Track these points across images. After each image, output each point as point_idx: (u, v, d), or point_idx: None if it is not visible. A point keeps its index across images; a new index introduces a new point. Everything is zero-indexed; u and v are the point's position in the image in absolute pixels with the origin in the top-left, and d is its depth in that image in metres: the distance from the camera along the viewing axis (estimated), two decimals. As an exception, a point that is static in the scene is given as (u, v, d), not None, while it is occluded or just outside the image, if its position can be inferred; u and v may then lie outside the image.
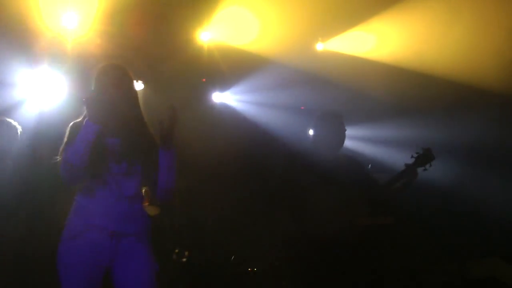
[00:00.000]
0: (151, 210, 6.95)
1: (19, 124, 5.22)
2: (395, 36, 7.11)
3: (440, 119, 6.90)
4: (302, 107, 8.13)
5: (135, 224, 3.35)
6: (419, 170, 4.47)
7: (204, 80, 7.96)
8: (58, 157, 3.27)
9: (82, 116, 3.34)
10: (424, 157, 4.48)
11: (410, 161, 4.51)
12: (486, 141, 6.63)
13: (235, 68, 7.59)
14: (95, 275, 3.27)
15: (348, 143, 4.76)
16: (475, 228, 6.36)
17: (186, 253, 6.65)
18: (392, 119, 7.17)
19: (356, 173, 4.48)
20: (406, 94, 7.00)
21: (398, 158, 6.89)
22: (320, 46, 7.64)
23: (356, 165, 4.59)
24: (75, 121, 3.34)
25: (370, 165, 6.39)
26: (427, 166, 4.49)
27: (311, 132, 4.71)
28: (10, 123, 5.12)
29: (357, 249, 4.12)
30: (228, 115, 8.00)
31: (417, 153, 4.49)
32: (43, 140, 5.55)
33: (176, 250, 6.69)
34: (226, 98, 8.13)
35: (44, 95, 6.50)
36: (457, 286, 5.92)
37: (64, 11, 6.14)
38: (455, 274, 6.06)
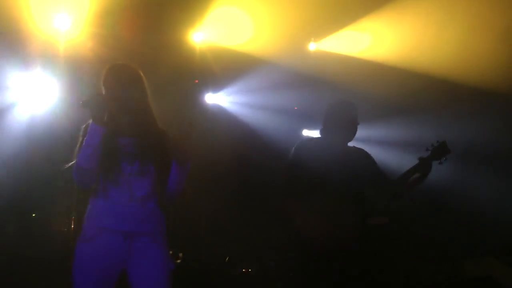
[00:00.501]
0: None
1: (11, 127, 5.20)
2: (389, 35, 7.09)
3: (434, 119, 6.89)
4: (296, 108, 8.12)
5: (149, 224, 3.33)
6: (434, 163, 4.34)
7: (196, 81, 7.94)
8: (73, 160, 3.27)
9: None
10: (440, 150, 4.34)
11: (418, 156, 4.38)
12: (481, 140, 6.63)
13: (228, 69, 7.58)
14: (108, 278, 3.27)
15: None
16: (470, 228, 6.37)
17: (180, 254, 6.64)
18: (385, 119, 7.17)
19: (367, 166, 4.37)
20: (399, 94, 6.99)
21: (391, 158, 6.93)
22: (313, 46, 7.62)
23: (367, 158, 4.46)
24: (87, 123, 3.30)
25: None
26: (443, 159, 4.35)
27: (322, 122, 4.48)
28: None
29: (352, 250, 4.07)
30: (221, 116, 7.99)
31: (432, 145, 4.35)
32: (35, 143, 5.55)
33: (170, 251, 6.67)
34: (219, 99, 8.12)
35: (36, 97, 6.48)
36: (452, 285, 5.93)
37: (56, 13, 6.12)
38: (450, 273, 6.07)
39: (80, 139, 3.29)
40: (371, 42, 7.36)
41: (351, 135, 4.38)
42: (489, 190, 6.46)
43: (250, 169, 7.60)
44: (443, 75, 6.60)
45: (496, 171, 6.59)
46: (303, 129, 8.74)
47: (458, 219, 6.52)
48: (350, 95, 7.21)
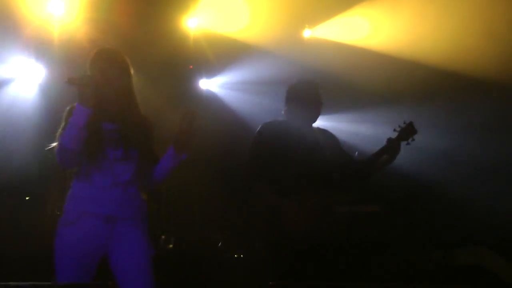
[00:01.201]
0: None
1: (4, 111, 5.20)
2: (386, 22, 7.02)
3: (432, 108, 6.87)
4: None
5: (130, 209, 3.35)
6: (402, 144, 4.35)
7: (191, 67, 7.92)
8: (55, 142, 3.27)
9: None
10: (407, 130, 4.37)
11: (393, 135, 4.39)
12: (480, 131, 6.61)
13: (222, 55, 7.56)
14: (89, 261, 3.28)
15: (336, 132, 4.60)
16: (462, 217, 6.39)
17: (172, 239, 6.66)
18: (382, 109, 7.15)
19: (333, 147, 4.37)
20: (397, 83, 6.96)
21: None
22: (308, 33, 7.58)
23: (332, 138, 4.45)
24: (71, 105, 3.30)
25: (357, 153, 6.40)
26: (410, 140, 4.37)
27: (285, 103, 4.43)
28: None
29: (342, 237, 4.07)
30: (215, 102, 7.98)
31: (399, 126, 4.38)
32: (28, 127, 5.56)
33: (163, 236, 6.70)
34: (213, 85, 8.10)
35: (29, 82, 6.48)
36: (443, 273, 5.97)
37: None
38: (441, 261, 6.10)
39: (63, 121, 3.26)
40: (368, 29, 7.29)
41: (315, 115, 4.35)
42: (482, 180, 6.47)
43: (244, 156, 7.60)
44: (441, 64, 6.57)
45: (494, 159, 6.58)
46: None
47: (450, 208, 6.54)
48: (345, 83, 7.26)
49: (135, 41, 6.78)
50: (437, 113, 6.83)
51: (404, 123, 4.39)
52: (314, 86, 4.38)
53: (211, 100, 7.98)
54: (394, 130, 4.38)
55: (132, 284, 3.26)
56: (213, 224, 7.32)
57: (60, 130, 3.26)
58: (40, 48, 6.41)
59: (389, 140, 4.36)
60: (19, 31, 6.12)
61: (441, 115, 6.81)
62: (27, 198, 6.43)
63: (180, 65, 7.73)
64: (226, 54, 7.52)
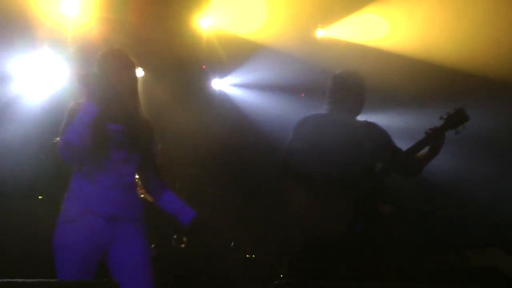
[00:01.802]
0: (150, 197, 6.98)
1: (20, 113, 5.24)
2: (402, 21, 6.94)
3: (448, 109, 6.80)
4: (303, 95, 8.11)
5: (131, 209, 3.40)
6: (450, 133, 3.95)
7: (204, 67, 7.94)
8: (58, 138, 3.30)
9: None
10: (456, 118, 3.95)
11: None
12: (493, 133, 6.56)
13: (234, 55, 7.57)
14: (90, 259, 3.30)
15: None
16: (475, 218, 6.36)
17: (185, 239, 6.67)
18: (396, 110, 7.12)
19: (377, 141, 4.09)
20: (413, 84, 6.90)
21: (401, 147, 6.92)
22: (320, 33, 7.56)
23: (378, 133, 4.17)
24: (74, 102, 3.36)
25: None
26: (460, 128, 3.95)
27: (327, 95, 4.19)
28: None
29: (355, 238, 3.97)
30: (227, 102, 8.00)
31: (447, 113, 3.96)
32: (44, 128, 5.58)
33: (175, 236, 6.71)
34: (225, 85, 8.11)
35: (44, 83, 6.53)
36: (456, 275, 5.95)
37: (63, -1, 6.14)
38: (453, 263, 6.09)
39: (67, 117, 3.29)
40: (382, 29, 7.20)
41: (358, 107, 4.13)
42: (497, 181, 6.43)
43: (257, 155, 7.61)
44: (458, 65, 6.51)
45: (507, 161, 6.54)
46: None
47: (463, 209, 6.51)
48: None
49: (148, 41, 6.81)
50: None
51: (454, 109, 3.99)
52: (356, 77, 4.18)
53: (223, 100, 8.00)
54: (441, 117, 3.98)
55: (131, 283, 3.27)
56: (225, 224, 7.33)
57: (63, 126, 3.28)
58: (55, 49, 6.44)
59: (432, 130, 3.98)
60: (33, 32, 6.16)
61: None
62: (39, 197, 6.49)
63: (192, 65, 7.75)
64: (238, 54, 7.53)
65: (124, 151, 3.35)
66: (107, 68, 3.34)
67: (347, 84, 4.11)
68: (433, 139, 4.00)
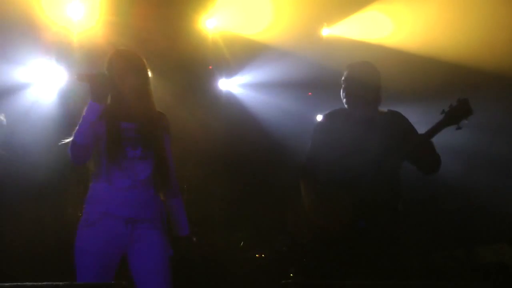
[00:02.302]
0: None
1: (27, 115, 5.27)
2: (407, 18, 6.94)
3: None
4: (310, 93, 8.11)
5: (150, 210, 3.41)
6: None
7: (210, 67, 7.95)
8: (66, 139, 3.34)
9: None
10: (458, 112, 3.69)
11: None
12: (501, 128, 6.54)
13: (240, 55, 7.58)
14: (110, 262, 3.33)
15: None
16: (484, 214, 6.35)
17: (194, 239, 6.68)
18: (402, 107, 7.09)
19: (398, 130, 3.95)
20: (419, 81, 6.88)
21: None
22: (326, 31, 7.56)
23: (398, 121, 4.04)
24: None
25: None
26: (462, 123, 3.70)
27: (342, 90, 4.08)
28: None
29: (363, 235, 3.95)
30: (234, 102, 8.00)
31: (450, 106, 3.71)
32: (50, 130, 5.62)
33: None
34: (232, 85, 8.12)
35: (50, 86, 6.57)
36: (465, 271, 5.94)
37: (69, 2, 6.17)
38: (463, 259, 6.07)
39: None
40: (388, 26, 7.20)
41: (374, 99, 4.05)
42: (505, 177, 6.41)
43: (264, 154, 7.62)
44: (463, 62, 6.49)
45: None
46: (317, 115, 8.72)
47: (472, 205, 6.50)
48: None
49: (154, 43, 6.83)
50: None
51: (458, 100, 3.73)
52: (369, 67, 4.13)
53: (230, 101, 8.01)
54: (442, 111, 3.75)
55: (150, 285, 3.31)
56: (234, 225, 7.34)
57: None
58: (60, 52, 6.48)
59: (439, 123, 3.77)
60: (39, 35, 6.20)
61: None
62: (47, 199, 6.52)
63: (199, 65, 7.77)
64: (244, 54, 7.54)
65: (139, 148, 3.38)
66: (117, 67, 3.38)
67: (360, 76, 4.05)
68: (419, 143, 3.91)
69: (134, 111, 3.42)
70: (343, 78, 4.15)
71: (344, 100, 4.12)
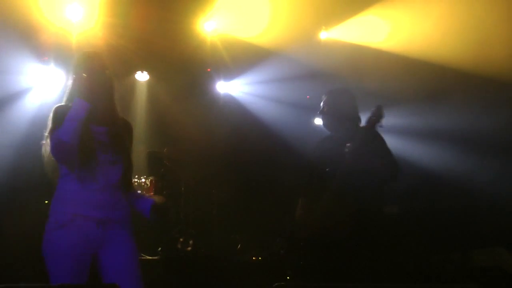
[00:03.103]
0: (157, 200, 6.99)
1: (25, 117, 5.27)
2: (404, 22, 6.98)
3: (452, 109, 6.81)
4: (308, 97, 8.12)
5: (119, 212, 3.41)
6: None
7: (209, 70, 7.97)
8: (45, 140, 3.32)
9: (65, 99, 3.39)
10: (371, 117, 4.00)
11: None
12: (494, 130, 6.56)
13: (239, 58, 7.60)
14: (83, 263, 3.30)
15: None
16: (480, 218, 6.36)
17: (191, 241, 6.69)
18: (399, 109, 7.12)
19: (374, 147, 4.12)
20: (415, 84, 6.91)
21: (407, 149, 6.92)
22: (324, 35, 7.58)
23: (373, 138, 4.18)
24: (59, 104, 3.37)
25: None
26: (377, 126, 4.03)
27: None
28: None
29: (361, 238, 4.03)
30: (232, 104, 8.02)
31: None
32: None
33: (181, 239, 6.73)
34: (230, 88, 8.13)
35: (48, 87, 6.58)
36: (461, 274, 5.94)
37: (68, 4, 6.18)
38: (459, 263, 6.08)
39: (54, 118, 3.28)
40: (385, 30, 7.25)
41: (352, 122, 4.23)
42: (500, 180, 6.42)
43: (261, 158, 7.63)
44: (459, 65, 6.51)
45: (509, 162, 6.53)
46: (314, 118, 8.74)
47: (468, 209, 6.51)
48: (362, 84, 7.24)
49: (153, 45, 6.85)
50: (457, 114, 6.79)
51: (375, 106, 4.05)
52: (343, 94, 4.37)
53: (228, 103, 8.02)
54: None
55: (124, 284, 3.26)
56: (232, 227, 7.34)
57: (50, 127, 3.28)
58: (59, 54, 6.49)
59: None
60: (38, 37, 6.21)
61: (462, 115, 6.76)
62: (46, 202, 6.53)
63: (197, 68, 7.78)
64: (243, 57, 7.56)
65: (110, 153, 3.37)
66: (90, 67, 3.32)
67: (338, 104, 4.28)
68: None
69: (102, 114, 3.40)
70: (321, 102, 4.35)
71: (322, 122, 4.37)
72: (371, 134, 4.07)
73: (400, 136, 7.06)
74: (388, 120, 7.03)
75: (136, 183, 6.71)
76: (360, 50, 7.31)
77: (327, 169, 4.18)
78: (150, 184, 6.95)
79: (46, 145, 3.30)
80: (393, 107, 7.09)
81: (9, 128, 6.39)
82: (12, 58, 6.18)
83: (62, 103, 3.36)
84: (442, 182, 6.62)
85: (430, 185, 6.65)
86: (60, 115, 3.25)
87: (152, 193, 6.92)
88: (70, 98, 3.34)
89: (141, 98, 7.78)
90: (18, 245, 5.67)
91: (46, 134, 3.31)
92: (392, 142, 6.97)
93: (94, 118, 3.34)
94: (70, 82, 3.40)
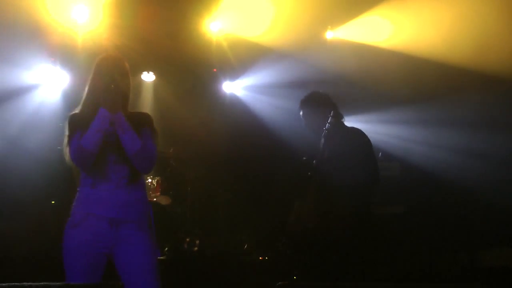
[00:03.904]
0: (163, 200, 7.01)
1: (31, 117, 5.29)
2: (410, 21, 6.96)
3: (457, 108, 6.79)
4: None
5: (134, 211, 3.42)
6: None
7: (215, 70, 7.97)
8: (64, 146, 3.37)
9: (81, 107, 3.42)
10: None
11: None
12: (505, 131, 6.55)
13: (245, 57, 7.59)
14: (96, 261, 3.35)
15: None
16: (487, 218, 6.33)
17: (197, 242, 6.69)
18: (404, 110, 7.11)
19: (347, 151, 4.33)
20: (421, 83, 6.90)
21: (413, 149, 6.90)
22: (330, 35, 7.57)
23: (348, 141, 4.41)
24: (74, 112, 3.42)
25: (380, 154, 6.38)
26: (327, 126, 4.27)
27: None
28: None
29: (366, 238, 4.07)
30: (238, 105, 8.01)
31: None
32: (54, 133, 5.64)
33: (187, 239, 6.73)
34: (236, 88, 8.13)
35: (54, 88, 6.60)
36: (468, 275, 5.93)
37: (74, 5, 6.20)
38: (466, 263, 6.06)
39: (72, 127, 3.33)
40: (391, 29, 7.22)
41: (319, 128, 4.41)
42: (508, 180, 6.40)
43: (267, 158, 7.62)
44: (465, 64, 6.50)
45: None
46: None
47: (475, 209, 6.48)
48: (368, 85, 7.24)
49: (158, 46, 6.86)
50: (462, 113, 6.77)
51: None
52: (309, 103, 4.56)
53: (234, 103, 8.02)
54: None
55: (138, 284, 3.31)
56: (238, 227, 7.35)
57: (69, 135, 3.33)
58: (65, 54, 6.51)
59: None
60: (44, 37, 6.23)
61: (467, 114, 6.74)
62: (52, 202, 6.55)
63: (203, 68, 7.79)
64: (249, 56, 7.55)
65: (118, 152, 3.38)
66: (111, 73, 3.36)
67: (314, 107, 4.47)
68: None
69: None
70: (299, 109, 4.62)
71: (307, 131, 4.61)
72: (352, 132, 4.30)
73: (407, 136, 7.06)
74: (395, 119, 7.08)
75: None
76: (367, 49, 7.29)
77: (304, 158, 4.46)
78: (156, 184, 6.96)
79: (65, 150, 3.36)
80: (400, 107, 7.12)
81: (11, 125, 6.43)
82: (20, 58, 6.21)
83: (76, 111, 3.39)
84: (450, 182, 6.60)
85: (436, 184, 6.63)
86: (76, 124, 3.31)
87: (158, 193, 6.94)
88: (89, 105, 3.37)
89: (147, 99, 7.80)
90: (17, 245, 5.71)
91: (65, 140, 3.35)
92: (399, 142, 7.01)
93: None
94: (90, 86, 3.42)
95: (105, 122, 3.23)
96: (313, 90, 4.74)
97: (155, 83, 7.86)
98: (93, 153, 3.24)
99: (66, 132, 3.37)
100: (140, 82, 7.70)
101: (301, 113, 4.64)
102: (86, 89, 3.46)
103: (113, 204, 3.35)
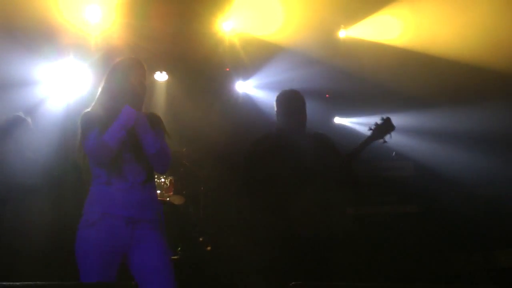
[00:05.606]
0: (176, 200, 7.01)
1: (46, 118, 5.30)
2: (426, 21, 6.94)
3: (471, 109, 6.76)
4: (327, 95, 8.09)
5: (150, 211, 3.45)
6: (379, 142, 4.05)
7: (228, 69, 7.98)
8: (77, 147, 3.42)
9: (95, 106, 3.46)
10: (382, 128, 4.03)
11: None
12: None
13: (258, 56, 7.59)
14: (112, 261, 3.36)
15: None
16: (502, 218, 6.28)
17: (210, 241, 6.69)
18: (418, 108, 7.08)
19: (323, 149, 4.25)
20: (436, 83, 6.87)
21: (425, 147, 6.86)
22: (343, 33, 7.55)
23: (323, 143, 4.35)
24: (87, 110, 3.45)
25: (394, 153, 6.34)
26: (387, 138, 4.03)
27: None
28: (24, 118, 5.26)
29: (380, 237, 4.06)
30: (251, 104, 8.01)
31: (375, 124, 4.05)
32: (69, 133, 5.65)
33: (201, 239, 6.74)
34: (249, 87, 8.12)
35: (69, 89, 6.62)
36: (483, 275, 5.88)
37: (87, 5, 6.22)
38: (482, 263, 6.02)
39: (86, 124, 3.36)
40: (405, 28, 7.22)
41: (299, 124, 4.33)
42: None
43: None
44: (483, 63, 6.46)
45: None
46: (334, 117, 8.71)
47: (490, 209, 6.44)
48: (380, 83, 7.21)
49: (171, 45, 6.87)
50: (476, 114, 6.73)
51: (382, 118, 4.09)
52: (291, 97, 4.43)
53: (247, 103, 8.02)
54: (369, 128, 4.08)
55: (154, 283, 3.33)
56: (251, 226, 7.33)
57: (85, 131, 3.35)
58: (78, 54, 6.53)
59: (364, 142, 4.10)
60: (57, 38, 6.25)
61: (480, 115, 6.70)
62: (55, 199, 6.56)
63: (216, 67, 7.79)
64: (261, 56, 7.56)
65: (134, 151, 3.42)
66: (135, 74, 3.44)
67: (287, 105, 4.36)
68: (355, 154, 4.13)
69: None
70: (275, 106, 4.48)
71: (278, 125, 4.43)
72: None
73: (421, 136, 7.02)
74: (408, 118, 7.05)
75: (155, 183, 6.73)
76: (380, 48, 7.27)
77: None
78: (169, 184, 6.97)
79: (79, 150, 3.40)
80: (414, 107, 7.09)
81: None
82: (33, 58, 6.24)
83: (89, 109, 3.43)
84: (466, 182, 6.56)
85: (451, 184, 6.59)
86: (91, 122, 3.35)
87: (171, 193, 6.95)
88: (104, 104, 3.43)
89: (160, 98, 7.83)
90: (19, 245, 5.72)
91: (79, 140, 3.39)
92: (413, 142, 6.97)
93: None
94: (106, 85, 3.47)
95: (131, 120, 3.28)
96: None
97: (168, 83, 7.88)
98: (114, 149, 3.28)
99: (79, 129, 3.39)
100: (153, 81, 7.72)
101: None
102: (100, 88, 3.51)
103: (129, 204, 3.38)
